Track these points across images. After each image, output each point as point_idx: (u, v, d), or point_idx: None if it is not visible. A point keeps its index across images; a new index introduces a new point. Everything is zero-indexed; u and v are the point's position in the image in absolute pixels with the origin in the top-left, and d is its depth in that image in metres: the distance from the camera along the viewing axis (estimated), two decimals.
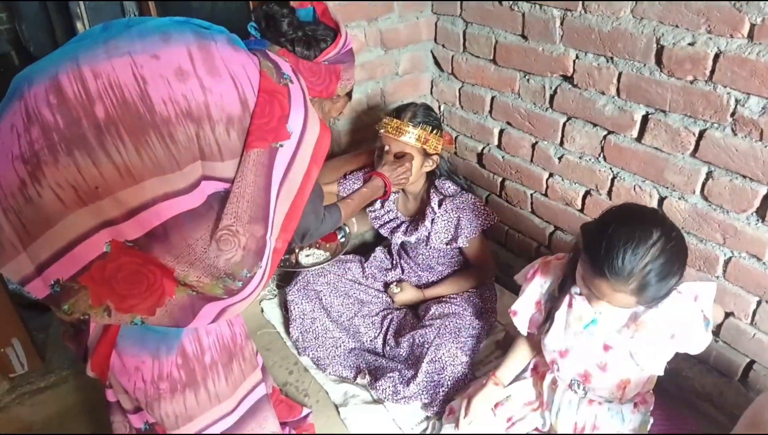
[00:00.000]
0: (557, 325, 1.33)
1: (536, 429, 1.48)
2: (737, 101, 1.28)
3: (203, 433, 1.17)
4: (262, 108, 0.98)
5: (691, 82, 1.34)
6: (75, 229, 0.92)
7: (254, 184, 0.98)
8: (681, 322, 1.21)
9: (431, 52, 2.01)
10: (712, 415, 1.55)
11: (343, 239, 1.87)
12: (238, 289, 1.03)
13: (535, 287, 1.41)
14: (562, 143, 1.71)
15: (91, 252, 0.93)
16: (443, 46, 1.95)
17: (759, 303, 1.41)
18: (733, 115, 1.29)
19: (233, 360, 1.19)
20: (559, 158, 1.74)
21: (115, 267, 0.95)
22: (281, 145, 1.00)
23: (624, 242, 1.08)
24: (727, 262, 1.43)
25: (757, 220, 1.34)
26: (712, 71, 1.29)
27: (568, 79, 1.61)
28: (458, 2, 1.82)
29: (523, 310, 1.43)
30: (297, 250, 1.85)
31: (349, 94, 1.38)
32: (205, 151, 0.94)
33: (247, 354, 1.23)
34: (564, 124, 1.68)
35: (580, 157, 1.68)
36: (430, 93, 2.09)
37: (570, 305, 1.31)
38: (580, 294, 1.28)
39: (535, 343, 1.46)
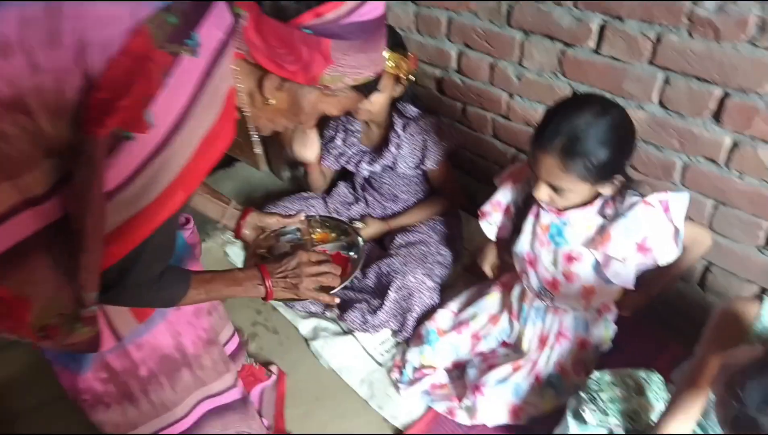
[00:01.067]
0: (525, 234, 1.33)
1: (503, 342, 1.51)
2: (693, 2, 1.25)
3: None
4: (113, 76, 0.67)
5: None
6: None
7: (90, 179, 0.69)
8: (651, 235, 1.21)
9: None
10: (673, 320, 1.60)
11: (354, 256, 1.43)
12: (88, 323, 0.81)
13: (506, 193, 1.40)
14: (520, 61, 1.67)
15: None
16: None
17: (716, 206, 1.43)
18: (689, 17, 1.27)
19: (182, 369, 1.08)
20: (518, 78, 1.71)
21: None
22: (128, 136, 0.68)
23: (559, 109, 1.12)
24: (684, 168, 1.44)
25: (713, 123, 1.34)
26: None
27: None
28: None
29: (492, 214, 1.42)
30: None
31: (363, 89, 0.90)
32: (54, 148, 0.69)
33: (206, 362, 1.12)
34: (522, 42, 1.64)
35: (538, 75, 1.65)
36: None
37: (537, 215, 1.31)
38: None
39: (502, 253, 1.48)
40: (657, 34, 1.34)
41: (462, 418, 1.38)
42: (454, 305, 1.57)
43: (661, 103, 1.40)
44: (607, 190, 1.21)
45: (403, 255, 1.69)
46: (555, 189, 1.19)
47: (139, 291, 0.87)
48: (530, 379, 1.38)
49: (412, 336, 1.57)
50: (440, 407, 1.41)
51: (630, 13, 1.36)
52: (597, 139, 1.10)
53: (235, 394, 1.22)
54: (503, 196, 1.41)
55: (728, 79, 1.27)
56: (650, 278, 1.34)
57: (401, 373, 1.49)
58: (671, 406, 1.05)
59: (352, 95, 0.90)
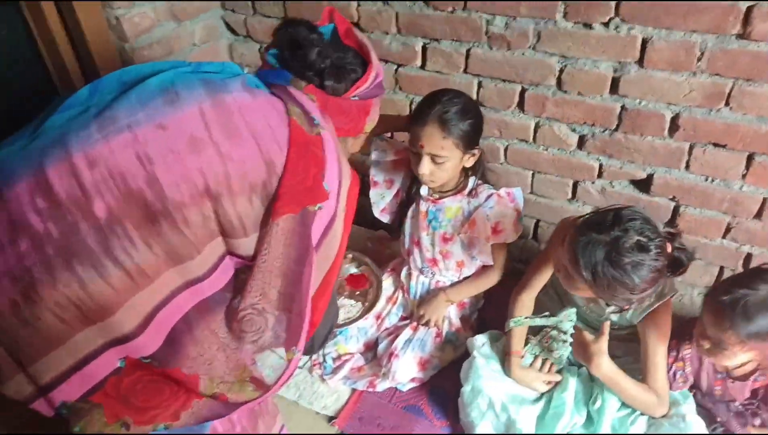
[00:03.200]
0: (408, 219, 1.61)
1: (401, 316, 1.77)
2: (488, 22, 1.63)
3: None
4: (294, 165, 0.81)
5: (452, 12, 1.65)
6: (82, 350, 0.78)
7: (284, 256, 0.82)
8: (502, 220, 1.58)
9: (221, 18, 2.07)
10: (519, 269, 2.00)
11: (374, 280, 1.63)
12: (270, 383, 0.89)
13: (399, 177, 1.65)
14: None
15: (103, 370, 0.81)
16: (233, 11, 2.03)
17: (533, 175, 1.85)
18: (487, 33, 1.65)
19: (258, 419, 1.12)
20: None
21: (131, 381, 0.83)
22: (320, 208, 0.84)
23: (429, 96, 1.48)
24: (505, 150, 1.84)
25: (519, 112, 1.74)
26: (465, 0, 1.61)
27: (355, 24, 1.83)
28: None
29: (381, 186, 1.67)
30: None
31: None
32: (225, 228, 0.80)
33: (270, 407, 1.17)
34: None
35: None
36: (230, 58, 2.17)
37: (417, 204, 1.60)
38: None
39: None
40: (466, 49, 1.70)
41: (381, 385, 1.60)
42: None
43: (480, 103, 1.77)
44: (470, 161, 1.54)
45: None
46: (435, 161, 1.47)
47: (328, 327, 1.08)
48: (432, 336, 1.66)
49: None
50: (361, 385, 1.62)
51: (443, 34, 1.71)
52: (461, 109, 1.45)
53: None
54: (396, 181, 1.67)
55: (523, 77, 1.66)
56: None
57: (323, 366, 1.67)
58: (526, 280, 1.51)
59: (366, 135, 1.16)
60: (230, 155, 0.78)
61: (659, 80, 1.49)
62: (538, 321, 1.51)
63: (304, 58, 0.96)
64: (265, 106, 0.85)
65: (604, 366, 1.32)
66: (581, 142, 1.70)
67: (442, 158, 1.48)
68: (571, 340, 1.49)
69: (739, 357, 1.24)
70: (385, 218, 1.73)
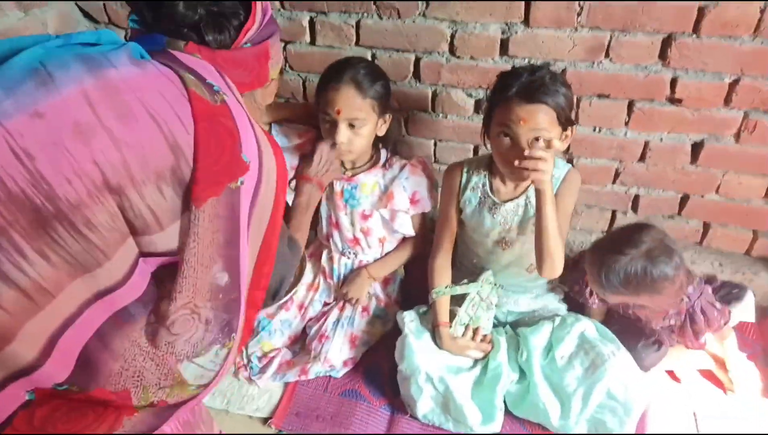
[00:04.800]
0: (324, 200, 1.55)
1: (325, 302, 1.72)
2: None
3: None
4: (206, 143, 0.71)
5: None
6: None
7: (214, 244, 0.75)
8: (418, 189, 1.59)
9: (76, 4, 1.84)
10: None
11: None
12: (213, 375, 0.84)
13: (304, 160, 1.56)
14: None
15: (7, 407, 0.71)
16: None
17: (435, 144, 1.86)
18: (375, 3, 1.61)
19: (195, 431, 1.04)
20: None
21: (46, 412, 0.73)
22: (242, 182, 0.75)
23: (334, 64, 1.50)
24: (406, 121, 1.82)
25: (416, 82, 1.73)
26: None
27: None
28: None
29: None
30: None
31: (282, 71, 1.07)
32: (136, 225, 0.70)
33: (204, 416, 1.11)
34: None
35: None
36: None
37: (331, 184, 1.54)
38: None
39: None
40: (356, 21, 1.66)
41: (314, 370, 1.55)
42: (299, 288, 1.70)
43: None
44: (383, 129, 1.52)
45: None
46: (353, 127, 1.44)
47: (288, 270, 1.04)
48: (359, 312, 1.63)
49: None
50: (293, 377, 1.55)
51: (330, 6, 1.64)
52: (372, 71, 1.45)
53: None
54: (303, 163, 1.58)
55: (416, 45, 1.65)
56: None
57: (248, 368, 1.58)
58: (436, 244, 1.59)
59: (278, 80, 1.08)
60: (126, 140, 0.66)
61: (545, 38, 1.54)
62: (458, 289, 1.53)
63: (172, 14, 0.83)
64: (159, 78, 0.72)
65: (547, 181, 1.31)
66: (477, 106, 1.73)
67: (360, 122, 1.44)
68: (494, 302, 1.53)
69: (613, 301, 1.44)
70: None
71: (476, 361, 1.50)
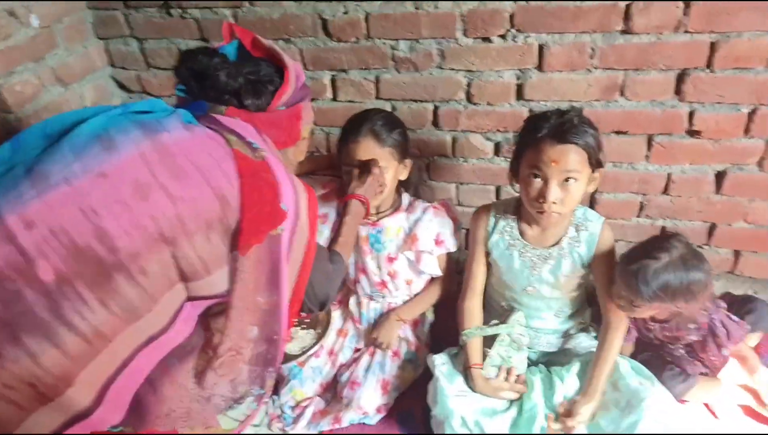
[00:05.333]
0: None
1: (355, 349, 1.73)
2: (392, 47, 1.66)
3: None
4: (249, 196, 0.79)
5: (356, 42, 1.67)
6: (38, 432, 0.69)
7: (257, 288, 0.82)
8: (441, 230, 1.62)
9: (111, 77, 1.96)
10: None
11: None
12: (252, 411, 0.90)
13: (332, 209, 1.63)
14: None
15: None
16: (123, 68, 1.92)
17: (457, 187, 1.89)
18: (393, 58, 1.68)
19: None
20: None
21: None
22: (282, 230, 0.84)
23: (353, 116, 1.56)
24: (427, 167, 1.87)
25: (435, 129, 1.78)
26: (367, 30, 1.64)
27: None
28: (123, 23, 1.82)
29: (319, 227, 1.61)
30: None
31: (312, 131, 1.16)
32: (186, 271, 0.78)
33: None
34: None
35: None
36: None
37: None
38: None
39: None
40: (375, 76, 1.73)
41: (348, 418, 1.55)
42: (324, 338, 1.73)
43: None
44: (404, 173, 1.58)
45: None
46: None
47: (332, 287, 1.11)
48: (389, 357, 1.65)
49: (276, 384, 1.68)
50: (326, 426, 1.56)
51: (350, 64, 1.72)
52: (389, 121, 1.52)
53: None
54: (330, 210, 1.65)
55: (434, 95, 1.71)
56: None
57: (282, 419, 1.59)
58: (465, 286, 1.60)
59: (310, 139, 1.17)
60: (180, 196, 0.75)
61: (559, 81, 1.59)
62: (489, 330, 1.53)
63: (215, 85, 0.93)
64: (206, 140, 0.82)
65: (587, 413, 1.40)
66: (497, 149, 1.77)
67: (382, 170, 1.49)
68: (526, 343, 1.53)
69: (647, 312, 1.40)
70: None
71: (511, 403, 1.49)
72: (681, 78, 1.50)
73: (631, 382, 1.41)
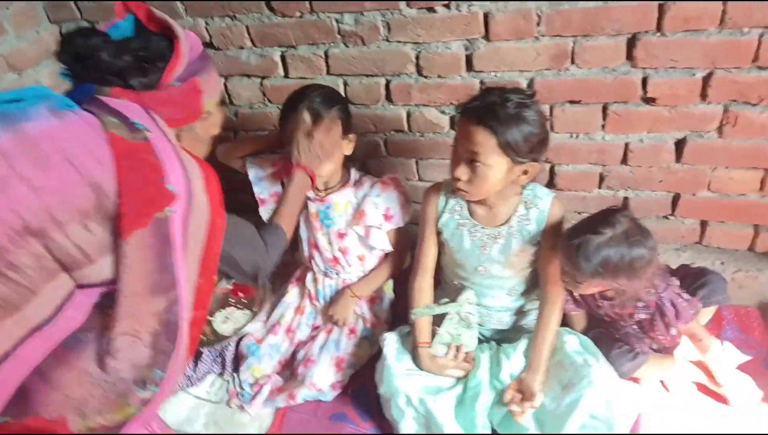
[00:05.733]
0: (302, 223, 1.62)
1: (313, 326, 1.75)
2: (337, 21, 1.62)
3: None
4: (128, 179, 0.79)
5: (301, 17, 1.64)
6: None
7: (145, 271, 0.82)
8: (391, 205, 1.61)
9: None
10: None
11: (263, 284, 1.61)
12: (153, 395, 0.88)
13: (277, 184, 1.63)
14: (231, 102, 1.90)
15: None
16: None
17: (417, 162, 1.86)
18: (339, 32, 1.64)
19: None
20: (235, 114, 1.93)
21: None
22: (171, 211, 0.83)
23: (297, 91, 1.52)
24: (385, 143, 1.84)
25: (389, 104, 1.75)
26: (311, 4, 1.60)
27: (208, 44, 1.78)
28: (74, 7, 1.81)
29: (270, 202, 1.62)
30: (209, 318, 1.60)
31: (222, 102, 1.13)
32: (65, 261, 0.78)
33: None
34: (225, 85, 1.86)
35: (251, 108, 1.90)
36: None
37: (306, 206, 1.59)
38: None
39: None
40: (324, 51, 1.69)
41: (302, 395, 1.57)
42: (261, 316, 1.75)
43: (349, 101, 1.76)
44: (348, 148, 1.56)
45: None
46: None
47: (265, 257, 1.18)
48: (345, 334, 1.66)
49: (234, 361, 1.71)
50: (282, 403, 1.59)
51: (298, 40, 1.69)
52: (327, 97, 1.48)
53: None
54: (280, 189, 1.63)
55: (384, 69, 1.67)
56: None
57: (240, 395, 1.62)
58: (416, 264, 1.57)
59: (218, 110, 1.12)
60: (44, 186, 0.75)
61: (507, 50, 1.53)
62: (437, 309, 1.52)
63: (97, 65, 0.90)
64: (77, 126, 0.81)
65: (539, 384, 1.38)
66: (452, 123, 1.73)
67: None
68: (475, 321, 1.52)
69: (591, 289, 1.37)
70: None
71: (458, 380, 1.49)
72: (632, 43, 1.44)
73: (576, 359, 1.39)
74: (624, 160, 1.64)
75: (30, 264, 0.75)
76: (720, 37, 1.37)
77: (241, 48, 1.75)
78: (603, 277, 1.30)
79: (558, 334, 1.45)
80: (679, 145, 1.57)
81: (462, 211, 1.48)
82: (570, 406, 1.33)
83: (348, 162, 1.63)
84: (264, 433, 1.56)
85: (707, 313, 1.50)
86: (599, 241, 1.26)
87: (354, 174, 1.64)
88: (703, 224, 1.71)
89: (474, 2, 1.48)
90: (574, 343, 1.45)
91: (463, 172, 1.30)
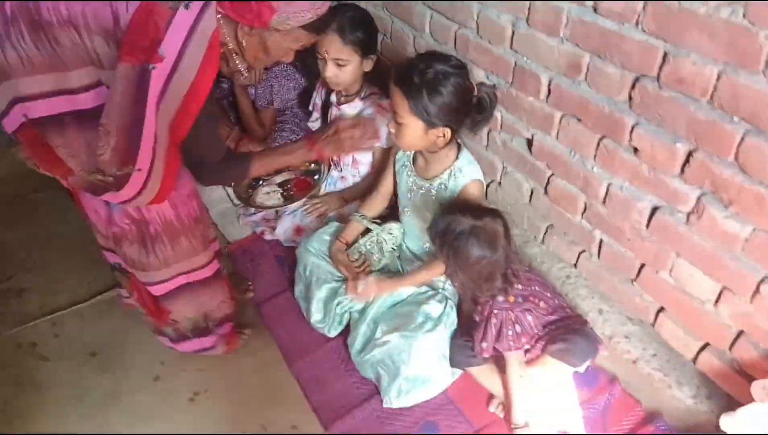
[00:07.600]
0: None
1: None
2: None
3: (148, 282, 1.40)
4: (137, 24, 0.99)
5: None
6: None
7: (123, 95, 1.02)
8: (380, 126, 1.73)
9: None
10: None
11: (317, 177, 1.96)
12: (112, 183, 1.14)
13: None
14: None
15: (13, 123, 1.10)
16: None
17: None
18: None
19: (180, 236, 1.35)
20: None
21: (31, 136, 1.11)
22: (153, 68, 1.01)
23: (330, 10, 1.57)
24: None
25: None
26: None
27: None
28: None
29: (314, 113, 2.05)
30: (257, 188, 1.98)
31: (311, 28, 1.20)
32: (92, 58, 1.02)
33: (197, 234, 1.39)
34: None
35: None
36: None
37: (329, 109, 1.98)
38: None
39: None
40: None
41: (267, 236, 2.05)
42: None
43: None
44: (368, 65, 1.83)
45: None
46: (338, 65, 1.78)
47: (211, 168, 1.33)
48: (315, 215, 2.02)
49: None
50: (258, 230, 2.09)
51: None
52: (356, 20, 1.72)
53: (207, 272, 1.49)
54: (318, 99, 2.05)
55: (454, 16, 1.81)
56: None
57: (244, 213, 2.14)
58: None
59: (302, 34, 1.21)
60: (87, 2, 0.99)
61: (539, 41, 1.54)
62: (365, 223, 1.77)
63: None
64: None
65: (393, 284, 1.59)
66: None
67: (344, 61, 1.78)
68: (387, 253, 1.73)
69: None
70: None
71: (345, 279, 1.73)
72: (635, 81, 1.33)
73: (419, 318, 1.53)
74: (604, 201, 1.56)
75: (67, 45, 1.01)
76: (707, 114, 1.20)
77: None
78: (433, 243, 1.41)
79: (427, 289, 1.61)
80: (653, 212, 1.43)
81: (410, 155, 1.66)
82: (383, 341, 1.52)
83: (365, 76, 1.89)
84: None
85: (552, 363, 1.45)
86: (449, 217, 1.36)
87: (366, 89, 1.89)
88: (660, 309, 1.55)
89: None
90: (437, 311, 1.57)
91: (391, 124, 1.49)
